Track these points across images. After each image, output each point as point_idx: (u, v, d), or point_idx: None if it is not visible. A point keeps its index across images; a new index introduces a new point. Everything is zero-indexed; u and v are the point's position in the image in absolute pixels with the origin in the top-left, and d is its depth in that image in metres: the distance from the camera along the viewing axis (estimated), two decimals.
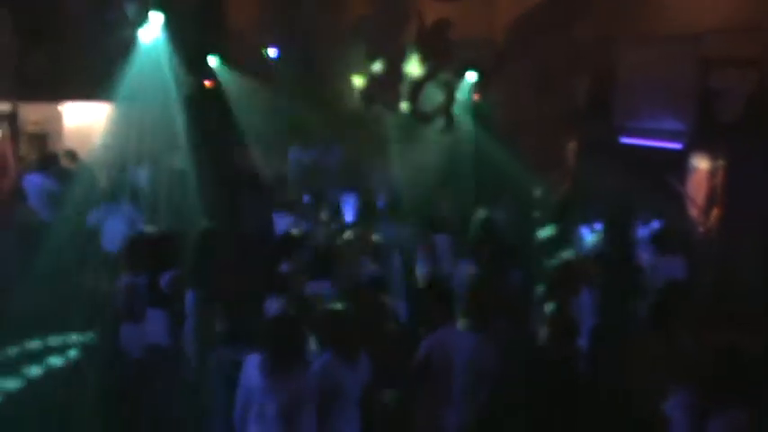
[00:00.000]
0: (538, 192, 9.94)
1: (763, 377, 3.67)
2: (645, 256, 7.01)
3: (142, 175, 10.08)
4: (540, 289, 6.37)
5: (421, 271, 7.34)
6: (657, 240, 6.95)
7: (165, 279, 5.91)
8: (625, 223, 7.81)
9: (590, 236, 8.25)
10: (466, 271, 6.54)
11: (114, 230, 8.16)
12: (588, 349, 5.41)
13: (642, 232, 7.66)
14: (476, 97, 11.96)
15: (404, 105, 12.25)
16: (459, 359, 4.77)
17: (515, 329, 5.56)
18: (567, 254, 7.39)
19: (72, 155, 10.35)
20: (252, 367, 4.24)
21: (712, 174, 8.89)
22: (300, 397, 4.20)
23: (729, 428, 3.46)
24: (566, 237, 8.08)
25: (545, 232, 8.31)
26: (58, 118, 10.89)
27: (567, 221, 8.09)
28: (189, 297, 5.85)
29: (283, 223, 8.32)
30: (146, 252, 6.16)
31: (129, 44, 9.76)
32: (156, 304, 5.84)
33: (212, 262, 6.24)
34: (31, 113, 10.47)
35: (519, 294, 6.41)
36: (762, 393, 3.55)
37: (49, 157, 10.20)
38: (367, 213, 9.11)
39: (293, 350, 4.27)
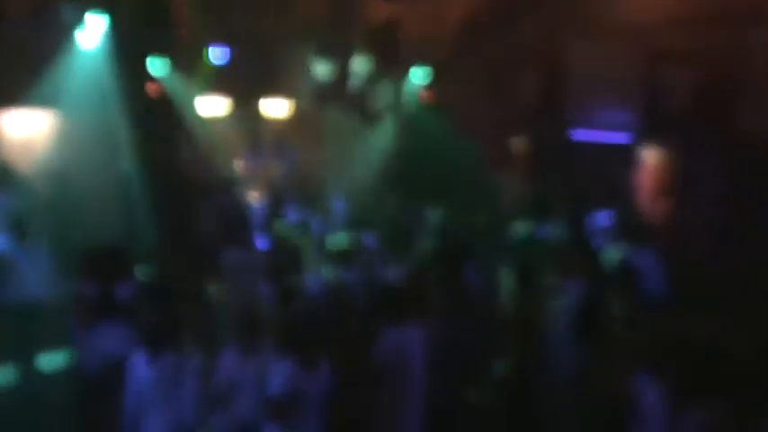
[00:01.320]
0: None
1: (742, 375, 3.69)
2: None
3: None
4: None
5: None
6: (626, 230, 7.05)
7: (123, 290, 5.74)
8: (579, 216, 7.91)
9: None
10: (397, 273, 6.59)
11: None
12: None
13: (597, 223, 7.75)
14: (425, 97, 11.97)
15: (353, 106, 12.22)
16: (414, 358, 4.82)
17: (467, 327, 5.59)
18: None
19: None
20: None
21: (660, 166, 9.06)
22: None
23: (702, 425, 3.46)
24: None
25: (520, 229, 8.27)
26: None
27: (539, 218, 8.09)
28: None
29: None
30: (100, 262, 5.97)
31: (67, 49, 9.51)
32: (113, 315, 5.65)
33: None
34: None
35: (476, 292, 6.42)
36: (742, 391, 3.57)
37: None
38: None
39: None
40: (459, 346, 5.68)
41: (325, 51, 11.98)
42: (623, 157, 9.38)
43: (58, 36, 9.88)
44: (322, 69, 11.98)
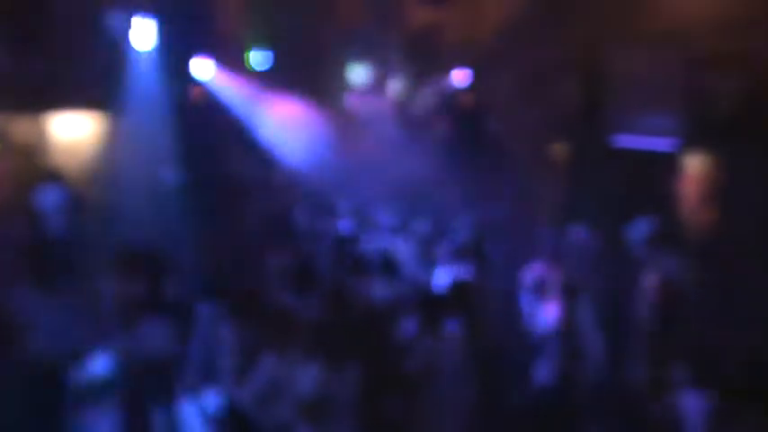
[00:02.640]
0: None
1: None
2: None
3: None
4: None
5: None
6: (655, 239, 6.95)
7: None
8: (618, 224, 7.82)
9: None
10: None
11: None
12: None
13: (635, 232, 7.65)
14: (465, 101, 11.95)
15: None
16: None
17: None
18: None
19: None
20: None
21: (704, 174, 8.90)
22: None
23: None
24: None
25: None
26: (45, 131, 10.78)
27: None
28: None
29: None
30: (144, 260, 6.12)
31: (120, 53, 9.73)
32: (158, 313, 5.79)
33: None
34: (17, 127, 10.35)
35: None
36: None
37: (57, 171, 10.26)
38: None
39: None
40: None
41: (366, 55, 12.05)
42: (666, 164, 9.24)
43: (106, 39, 10.15)
44: (361, 74, 12.06)
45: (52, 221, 9.74)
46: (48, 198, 9.84)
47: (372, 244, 8.21)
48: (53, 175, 10.15)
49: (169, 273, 6.25)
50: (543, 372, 5.50)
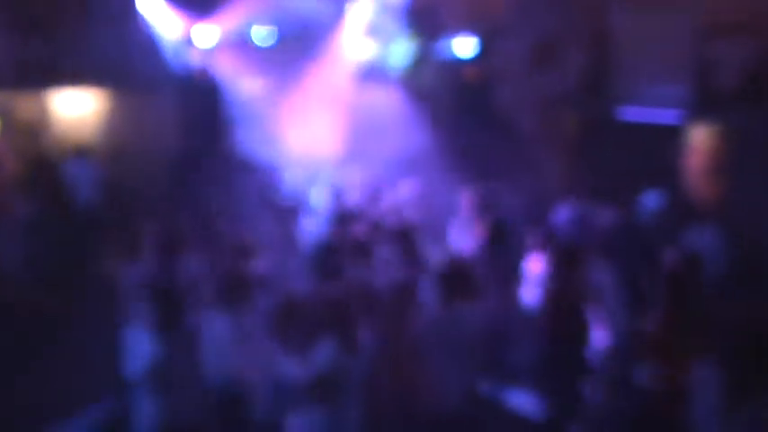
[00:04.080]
0: None
1: None
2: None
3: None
4: None
5: None
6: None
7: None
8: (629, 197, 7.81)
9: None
10: None
11: None
12: None
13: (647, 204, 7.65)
14: (470, 73, 11.84)
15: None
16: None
17: None
18: None
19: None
20: None
21: (712, 145, 8.86)
22: None
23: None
24: None
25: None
26: (51, 108, 10.74)
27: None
28: None
29: None
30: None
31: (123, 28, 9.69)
32: None
33: None
34: (23, 104, 10.32)
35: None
36: None
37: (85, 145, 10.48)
38: None
39: None
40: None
41: (370, 27, 11.93)
42: (673, 136, 9.20)
43: (110, 15, 10.08)
44: (365, 50, 11.95)
45: (81, 194, 9.97)
46: (76, 171, 9.97)
47: (377, 219, 8.16)
48: (81, 149, 10.27)
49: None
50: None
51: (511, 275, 6.48)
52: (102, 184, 10.28)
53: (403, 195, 9.08)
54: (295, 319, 4.80)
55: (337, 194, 8.99)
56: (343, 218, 8.09)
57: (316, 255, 7.04)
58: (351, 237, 7.16)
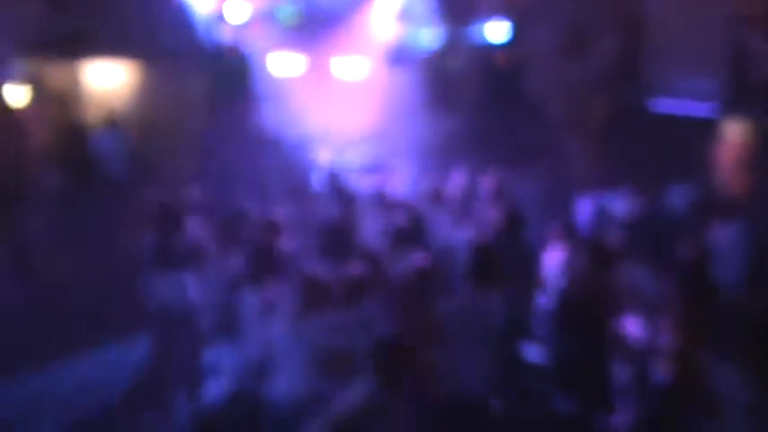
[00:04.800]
0: None
1: None
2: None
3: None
4: None
5: None
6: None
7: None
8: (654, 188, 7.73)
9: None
10: None
11: None
12: None
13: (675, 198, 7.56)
14: (501, 58, 11.73)
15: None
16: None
17: None
18: None
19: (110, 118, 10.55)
20: None
21: (746, 138, 8.72)
22: None
23: None
24: None
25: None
26: (81, 79, 10.83)
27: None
28: None
29: None
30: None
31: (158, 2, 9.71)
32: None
33: None
34: (54, 73, 10.41)
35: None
36: None
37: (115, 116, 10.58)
38: None
39: None
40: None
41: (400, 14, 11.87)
42: (705, 129, 9.06)
43: None
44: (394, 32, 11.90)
45: (110, 166, 10.08)
46: (106, 142, 10.09)
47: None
48: (111, 120, 10.38)
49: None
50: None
51: (526, 265, 6.43)
52: (131, 155, 10.36)
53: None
54: (318, 297, 4.86)
55: (357, 175, 9.01)
56: (352, 199, 8.13)
57: (330, 234, 7.07)
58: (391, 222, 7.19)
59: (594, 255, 5.37)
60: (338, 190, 8.53)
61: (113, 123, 10.46)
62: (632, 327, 4.99)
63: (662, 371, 4.23)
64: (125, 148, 10.33)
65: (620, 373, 4.79)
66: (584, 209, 7.97)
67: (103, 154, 10.20)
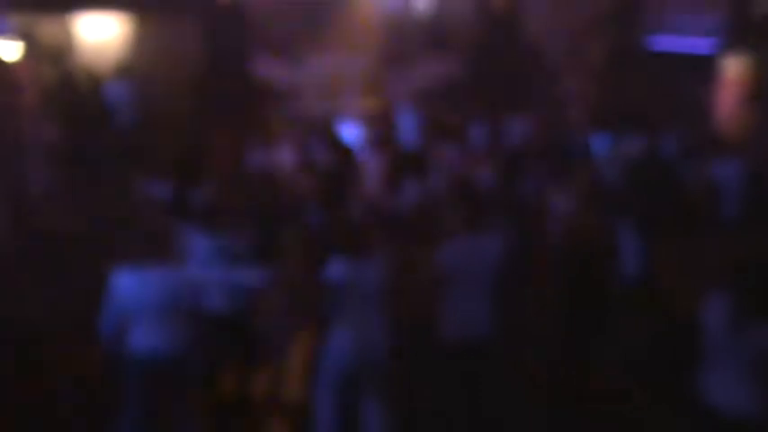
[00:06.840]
0: None
1: None
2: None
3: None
4: None
5: None
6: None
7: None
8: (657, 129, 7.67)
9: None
10: None
11: None
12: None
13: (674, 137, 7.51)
14: (499, 4, 11.53)
15: None
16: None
17: None
18: None
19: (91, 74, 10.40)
20: None
21: (745, 74, 8.63)
22: None
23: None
24: None
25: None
26: (74, 33, 10.69)
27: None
28: None
29: None
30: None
31: None
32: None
33: None
34: (46, 28, 10.28)
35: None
36: None
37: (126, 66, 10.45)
38: None
39: None
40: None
41: None
42: (704, 66, 8.96)
43: None
44: None
45: (121, 116, 10.06)
46: (116, 93, 10.07)
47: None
48: (122, 70, 10.28)
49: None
50: None
51: (526, 207, 6.44)
52: (137, 107, 10.28)
53: None
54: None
55: (356, 124, 8.96)
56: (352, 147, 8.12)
57: (330, 179, 7.05)
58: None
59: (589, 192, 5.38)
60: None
61: (124, 73, 10.35)
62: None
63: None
64: (134, 99, 10.22)
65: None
66: (581, 151, 7.92)
67: (114, 106, 10.13)
